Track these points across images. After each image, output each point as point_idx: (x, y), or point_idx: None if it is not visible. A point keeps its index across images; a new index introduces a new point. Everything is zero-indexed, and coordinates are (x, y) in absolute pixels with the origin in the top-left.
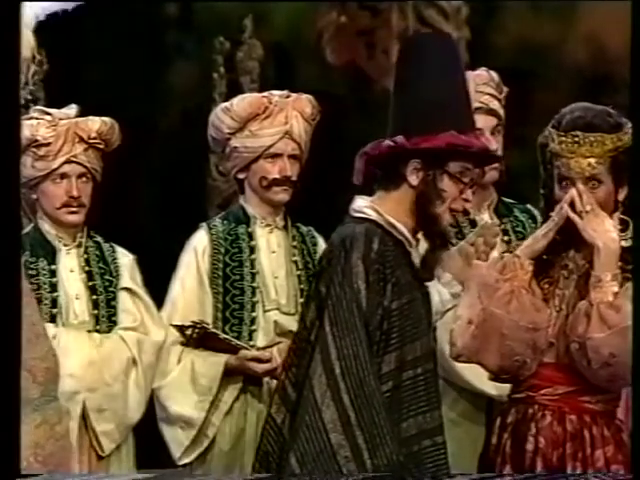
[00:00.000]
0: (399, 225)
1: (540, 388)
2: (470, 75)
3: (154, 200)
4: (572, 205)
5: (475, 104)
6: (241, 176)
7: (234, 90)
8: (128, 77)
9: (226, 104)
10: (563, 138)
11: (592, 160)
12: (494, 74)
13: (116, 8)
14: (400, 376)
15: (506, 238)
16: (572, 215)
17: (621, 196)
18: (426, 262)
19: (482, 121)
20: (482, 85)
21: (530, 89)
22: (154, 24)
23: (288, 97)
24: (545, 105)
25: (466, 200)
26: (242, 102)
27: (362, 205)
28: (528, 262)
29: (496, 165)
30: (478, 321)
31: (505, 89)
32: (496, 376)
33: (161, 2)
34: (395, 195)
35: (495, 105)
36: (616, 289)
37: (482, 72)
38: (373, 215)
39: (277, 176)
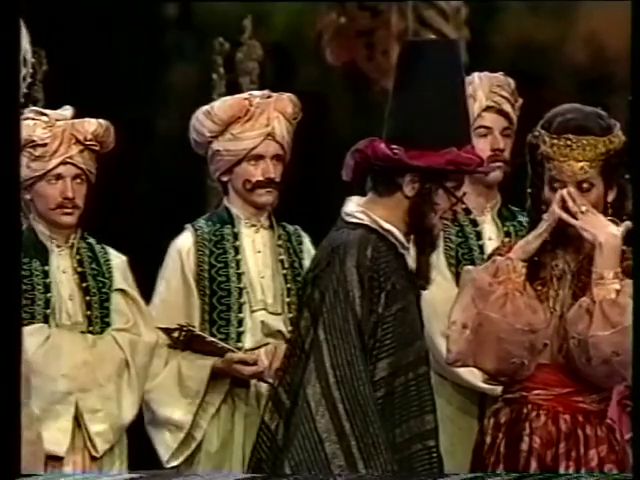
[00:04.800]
0: (393, 229)
1: (534, 389)
2: (486, 75)
3: (153, 201)
4: (564, 206)
5: (488, 102)
6: (224, 179)
7: (234, 91)
8: (127, 78)
9: (207, 107)
10: (555, 141)
11: (585, 164)
12: (511, 81)
13: (116, 8)
14: (393, 382)
15: (507, 240)
16: (565, 216)
17: (610, 197)
18: (421, 269)
19: (492, 120)
20: (497, 87)
21: (529, 90)
22: (153, 25)
23: (269, 97)
24: (545, 106)
25: (456, 212)
26: (223, 105)
27: (354, 210)
28: (521, 264)
29: (500, 164)
30: (473, 325)
31: (520, 100)
32: (493, 378)
33: (161, 2)
34: (388, 201)
35: (507, 107)
36: (618, 287)
37: (499, 75)
38: (366, 220)
39: (260, 178)
